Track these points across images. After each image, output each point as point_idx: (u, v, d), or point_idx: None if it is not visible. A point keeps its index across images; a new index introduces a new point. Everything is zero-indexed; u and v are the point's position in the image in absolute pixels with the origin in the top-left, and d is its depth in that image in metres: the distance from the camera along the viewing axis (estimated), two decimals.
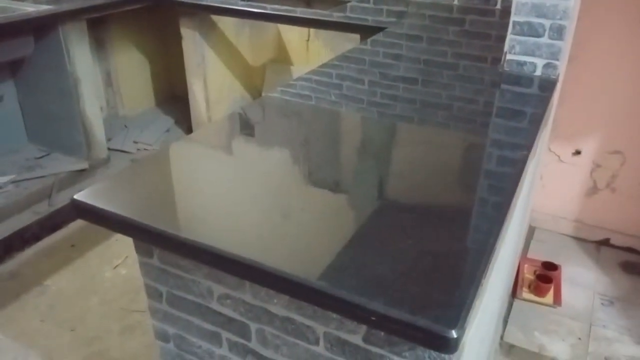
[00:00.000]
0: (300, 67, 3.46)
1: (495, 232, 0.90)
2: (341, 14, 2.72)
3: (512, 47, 1.68)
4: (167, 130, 3.54)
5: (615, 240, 2.80)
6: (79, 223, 2.78)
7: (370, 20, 2.70)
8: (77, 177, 2.94)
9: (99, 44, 3.40)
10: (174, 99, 3.96)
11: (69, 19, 2.62)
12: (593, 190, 2.79)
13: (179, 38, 3.38)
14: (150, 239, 0.95)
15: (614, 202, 2.75)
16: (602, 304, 2.48)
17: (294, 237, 0.91)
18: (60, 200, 2.76)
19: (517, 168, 1.14)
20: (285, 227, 0.94)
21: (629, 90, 2.54)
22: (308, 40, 3.35)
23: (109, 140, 3.28)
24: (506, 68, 1.72)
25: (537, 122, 1.39)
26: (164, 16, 3.58)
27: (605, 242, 2.83)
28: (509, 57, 1.70)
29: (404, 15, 2.73)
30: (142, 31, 3.59)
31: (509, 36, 1.67)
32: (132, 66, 3.62)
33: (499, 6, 2.67)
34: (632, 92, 2.54)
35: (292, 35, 3.37)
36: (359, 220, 0.98)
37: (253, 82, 3.66)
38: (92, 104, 2.93)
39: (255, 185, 1.10)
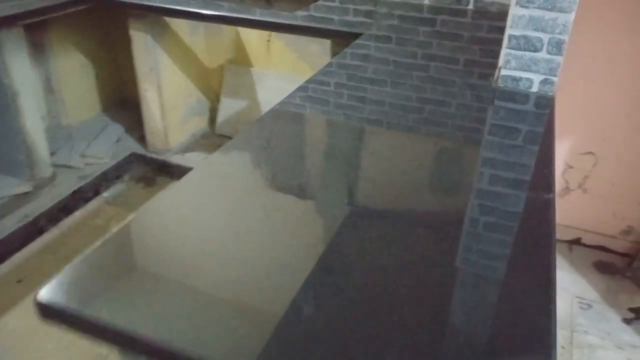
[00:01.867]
0: (261, 69, 3.26)
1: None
2: (305, 13, 2.54)
3: (507, 62, 1.58)
4: (118, 140, 3.26)
5: (587, 239, 2.81)
6: (25, 253, 2.51)
7: (337, 20, 2.54)
8: (20, 200, 2.65)
9: (36, 48, 3.06)
10: (122, 103, 3.66)
11: (3, 25, 2.31)
12: (565, 191, 2.78)
13: (125, 39, 3.10)
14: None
15: (586, 202, 2.75)
16: (580, 307, 2.48)
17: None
18: (2, 228, 2.47)
19: (548, 214, 1.03)
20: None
21: (600, 91, 2.52)
22: (269, 40, 3.15)
23: (52, 154, 2.98)
24: (500, 84, 1.62)
25: (550, 155, 1.29)
26: (110, 17, 3.28)
27: (576, 242, 2.84)
28: (503, 72, 1.60)
29: (372, 14, 2.59)
30: (85, 32, 3.28)
31: (504, 50, 1.57)
32: (75, 71, 3.31)
33: (471, 6, 2.57)
34: (603, 94, 2.52)
35: (252, 35, 3.17)
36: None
37: (210, 84, 3.43)
38: (33, 119, 2.63)
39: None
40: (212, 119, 3.50)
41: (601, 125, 2.58)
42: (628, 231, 2.72)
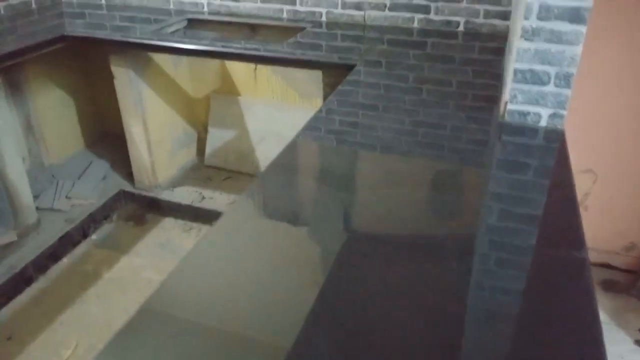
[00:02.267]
0: (249, 98, 3.18)
1: None
2: (292, 40, 2.47)
3: (514, 96, 1.52)
4: (104, 178, 3.15)
5: (590, 257, 2.76)
6: (12, 308, 2.38)
7: (324, 45, 2.48)
8: (5, 250, 2.52)
9: (13, 88, 2.95)
10: (106, 138, 3.55)
11: None
12: None
13: (105, 72, 3.00)
14: None
15: (588, 220, 2.70)
16: None
17: None
18: None
19: (586, 282, 0.97)
20: None
21: (598, 108, 2.49)
22: (255, 68, 3.08)
23: (36, 197, 2.86)
24: (507, 118, 1.56)
25: (572, 199, 1.23)
26: (87, 52, 3.18)
27: None
28: (510, 107, 1.54)
29: (360, 39, 2.54)
30: (62, 68, 3.17)
31: (511, 85, 1.51)
32: (54, 108, 3.19)
33: (461, 28, 2.53)
34: (601, 110, 2.49)
35: (238, 64, 3.08)
36: None
37: (196, 115, 3.34)
38: (14, 164, 2.51)
39: None
40: (200, 150, 3.40)
41: (600, 142, 2.55)
42: (631, 247, 2.69)
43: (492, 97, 1.92)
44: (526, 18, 1.42)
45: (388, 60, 2.22)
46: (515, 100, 1.53)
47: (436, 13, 2.55)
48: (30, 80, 3.00)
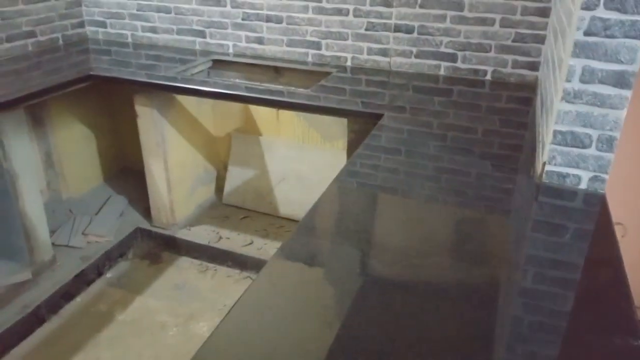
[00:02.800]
0: (270, 137, 3.17)
1: None
2: (318, 85, 2.46)
3: (553, 157, 1.48)
4: (121, 214, 3.12)
5: None
6: (23, 349, 2.33)
7: (348, 89, 2.46)
8: (19, 288, 2.48)
9: (36, 123, 2.96)
10: (125, 173, 3.54)
11: (4, 110, 2.20)
12: None
13: (128, 108, 3.02)
14: None
15: None
16: None
17: None
18: (1, 321, 2.30)
19: None
20: None
21: (625, 160, 2.43)
22: (278, 109, 3.07)
23: (52, 232, 2.83)
24: (545, 180, 1.51)
25: (621, 274, 1.17)
26: (111, 89, 3.20)
27: None
28: (548, 168, 1.50)
29: (385, 85, 2.52)
30: (85, 104, 3.19)
31: (549, 146, 1.47)
32: (75, 142, 3.20)
33: (488, 77, 2.51)
34: (628, 163, 2.43)
35: None
36: None
37: (217, 153, 3.32)
38: (33, 202, 2.49)
39: None
40: (219, 188, 3.37)
41: (628, 195, 2.49)
42: None
43: (518, 146, 1.90)
44: (568, 80, 1.38)
45: (416, 107, 2.19)
46: (554, 162, 1.48)
47: (463, 61, 2.53)
48: (52, 114, 3.01)
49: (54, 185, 3.17)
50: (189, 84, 2.48)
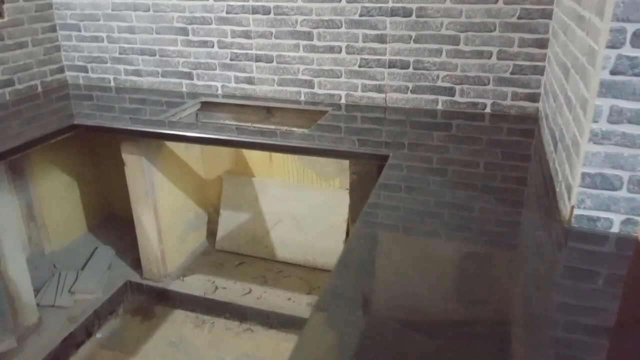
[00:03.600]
0: (263, 178, 3.06)
1: None
2: (315, 125, 2.37)
3: (582, 201, 1.40)
4: (109, 267, 2.95)
5: None
6: None
7: (343, 127, 2.38)
8: (3, 358, 2.29)
9: (15, 173, 2.80)
10: (108, 221, 3.38)
11: None
12: None
13: (111, 153, 2.91)
14: None
15: None
16: None
17: None
18: None
19: None
20: None
21: None
22: None
23: (36, 292, 2.65)
24: (574, 224, 1.43)
25: None
26: (92, 137, 3.07)
27: None
28: (577, 211, 1.42)
29: (381, 121, 2.45)
30: (67, 153, 3.04)
31: (577, 189, 1.39)
32: (57, 192, 3.04)
33: (488, 110, 2.46)
34: None
35: None
36: None
37: (207, 197, 3.20)
38: (16, 263, 2.33)
39: None
40: (210, 232, 3.24)
41: None
42: None
43: (522, 178, 1.84)
44: (595, 121, 1.31)
45: (422, 144, 2.11)
46: (583, 205, 1.41)
47: (461, 95, 2.48)
48: (33, 164, 2.86)
49: (35, 240, 2.99)
50: (178, 130, 2.37)
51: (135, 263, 2.94)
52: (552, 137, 1.83)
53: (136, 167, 2.59)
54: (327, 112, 2.57)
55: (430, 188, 1.78)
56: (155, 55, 2.93)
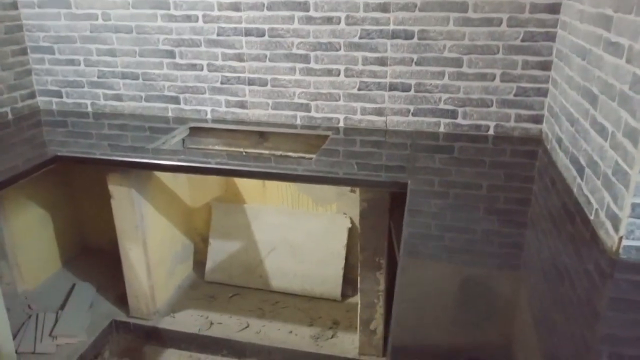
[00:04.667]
0: (256, 205, 2.93)
1: None
2: (322, 150, 2.28)
3: (631, 232, 1.37)
4: (91, 306, 2.73)
5: None
6: None
7: (341, 150, 2.31)
8: None
9: None
10: (84, 254, 3.16)
11: None
12: None
13: (86, 183, 2.71)
14: None
15: None
16: None
17: None
18: None
19: None
20: None
21: None
22: None
23: (13, 337, 2.40)
24: (622, 255, 1.40)
25: None
26: (72, 169, 2.86)
27: None
28: (626, 242, 1.38)
29: (381, 145, 2.39)
30: (40, 186, 2.81)
31: (627, 219, 1.36)
32: (30, 228, 2.80)
33: (491, 132, 2.43)
34: None
35: None
36: None
37: (194, 226, 3.03)
38: None
39: None
40: (197, 263, 3.07)
41: None
42: None
43: (526, 200, 1.83)
44: None
45: (435, 167, 2.06)
46: (632, 236, 1.37)
47: (464, 117, 2.45)
48: (4, 199, 2.62)
49: (7, 279, 2.74)
50: (171, 159, 2.21)
51: (120, 300, 2.73)
52: (575, 162, 1.80)
53: (125, 200, 2.41)
54: (328, 136, 2.48)
55: (458, 214, 1.71)
56: (138, 79, 2.77)
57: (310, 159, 2.69)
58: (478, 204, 1.79)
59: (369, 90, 2.51)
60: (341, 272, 2.76)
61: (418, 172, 2.04)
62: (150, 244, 2.55)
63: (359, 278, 2.28)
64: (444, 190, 1.90)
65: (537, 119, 2.37)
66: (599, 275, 1.40)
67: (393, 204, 2.15)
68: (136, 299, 2.62)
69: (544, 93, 2.33)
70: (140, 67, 2.74)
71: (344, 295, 2.80)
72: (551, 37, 2.23)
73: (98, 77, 2.81)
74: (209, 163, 2.19)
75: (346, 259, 2.78)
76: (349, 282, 2.82)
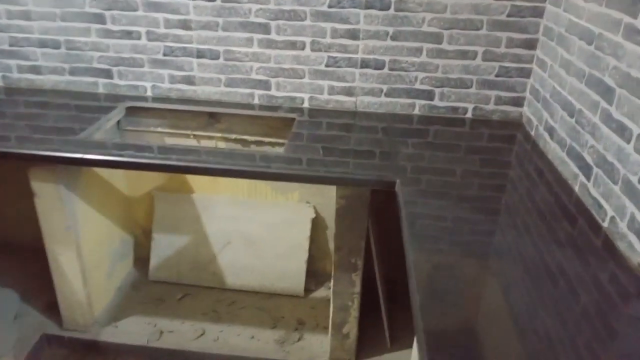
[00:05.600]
0: (206, 195, 2.60)
1: None
2: (292, 133, 2.00)
3: None
4: (16, 318, 2.34)
5: None
6: None
7: (306, 134, 2.05)
8: None
9: None
10: (2, 252, 2.71)
11: None
12: None
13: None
14: None
15: None
16: None
17: None
18: None
19: None
20: None
21: None
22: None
23: None
24: None
25: None
26: None
27: None
28: None
29: (351, 128, 2.15)
30: None
31: None
32: None
33: (469, 115, 2.25)
34: None
35: None
36: None
37: (134, 218, 2.66)
38: None
39: None
40: (138, 258, 2.72)
41: None
42: None
43: (501, 186, 1.71)
44: None
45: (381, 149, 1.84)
46: None
47: (441, 99, 2.24)
48: None
49: None
50: (106, 153, 1.83)
51: (50, 308, 2.35)
52: (578, 158, 1.65)
53: (52, 198, 2.01)
54: (294, 119, 2.19)
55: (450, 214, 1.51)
56: (60, 47, 2.31)
57: (270, 144, 2.41)
58: (451, 191, 1.60)
59: (338, 66, 2.22)
60: (304, 266, 2.53)
61: (405, 169, 1.81)
62: (85, 246, 2.18)
63: (332, 280, 2.06)
64: (440, 190, 1.69)
65: (518, 102, 2.21)
66: (622, 294, 1.26)
67: (372, 200, 1.93)
68: (70, 309, 2.26)
69: (526, 74, 2.15)
70: (63, 34, 2.28)
71: (307, 290, 2.58)
72: (539, 13, 2.04)
73: (10, 45, 2.32)
74: (155, 158, 1.84)
75: (309, 250, 2.55)
76: (311, 276, 2.60)
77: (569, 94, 1.76)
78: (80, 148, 1.85)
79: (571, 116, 1.72)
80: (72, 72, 2.35)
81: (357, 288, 2.05)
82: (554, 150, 1.84)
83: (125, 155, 1.83)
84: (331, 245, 2.61)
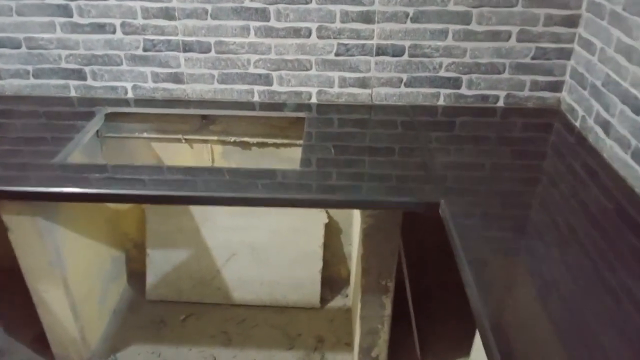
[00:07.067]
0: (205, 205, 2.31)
1: None
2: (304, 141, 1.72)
3: None
4: (1, 354, 2.08)
5: None
6: None
7: (314, 132, 1.78)
8: None
9: None
10: None
11: None
12: None
13: None
14: None
15: None
16: None
17: None
18: None
19: None
20: None
21: None
22: (212, 164, 2.22)
23: None
24: None
25: None
26: None
27: None
28: None
29: (365, 123, 1.88)
30: None
31: None
32: None
33: (501, 103, 1.99)
34: None
35: (185, 153, 2.19)
36: None
37: (124, 231, 2.38)
38: None
39: None
40: (133, 275, 2.45)
41: None
42: None
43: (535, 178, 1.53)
44: None
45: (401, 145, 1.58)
46: None
47: (469, 87, 1.96)
48: None
49: None
50: (88, 184, 1.53)
51: (38, 342, 2.10)
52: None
53: (29, 233, 1.71)
54: (303, 119, 1.90)
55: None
56: (20, 47, 1.95)
57: (274, 145, 2.12)
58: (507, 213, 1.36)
59: (350, 55, 1.92)
60: (319, 276, 2.30)
61: (446, 179, 1.56)
62: (72, 278, 1.90)
63: (359, 304, 1.83)
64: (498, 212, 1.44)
65: (556, 87, 1.95)
66: None
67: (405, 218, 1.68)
68: (62, 347, 2.01)
69: (567, 55, 1.89)
70: (22, 31, 1.92)
71: (323, 299, 2.35)
72: None
73: None
74: (147, 186, 1.54)
75: (322, 258, 2.31)
76: (325, 283, 2.38)
77: (631, 85, 1.50)
78: (57, 178, 1.55)
79: (637, 113, 1.48)
80: (37, 74, 2.01)
81: (388, 310, 1.83)
82: (611, 149, 1.60)
83: (112, 187, 1.53)
84: (346, 250, 2.38)
